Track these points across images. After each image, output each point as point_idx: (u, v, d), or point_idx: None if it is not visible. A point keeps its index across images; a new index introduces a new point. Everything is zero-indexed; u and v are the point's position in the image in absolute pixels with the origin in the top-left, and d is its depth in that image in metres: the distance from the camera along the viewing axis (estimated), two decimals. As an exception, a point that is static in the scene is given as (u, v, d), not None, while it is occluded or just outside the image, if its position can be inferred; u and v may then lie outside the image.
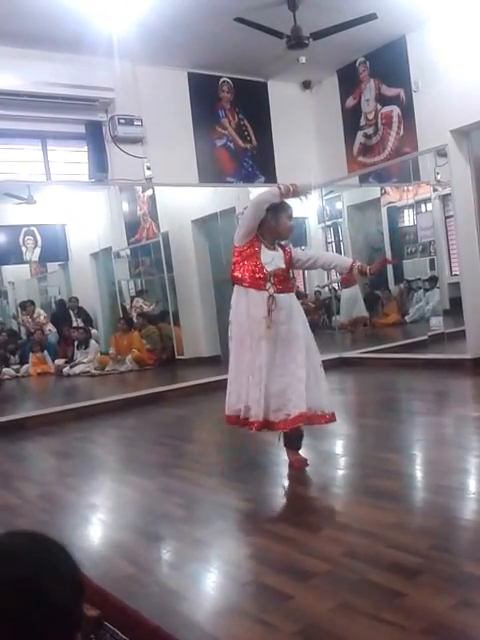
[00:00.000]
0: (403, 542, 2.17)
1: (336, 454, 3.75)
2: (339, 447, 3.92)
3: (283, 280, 3.34)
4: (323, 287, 9.84)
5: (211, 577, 2.18)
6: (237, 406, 3.36)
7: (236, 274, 3.33)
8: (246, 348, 3.30)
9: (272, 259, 3.32)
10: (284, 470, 3.50)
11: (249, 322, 3.28)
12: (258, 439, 4.17)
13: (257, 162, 7.10)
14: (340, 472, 3.32)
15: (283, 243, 3.52)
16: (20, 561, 0.81)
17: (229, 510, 2.86)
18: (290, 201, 3.50)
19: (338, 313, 9.12)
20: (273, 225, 3.33)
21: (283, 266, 3.35)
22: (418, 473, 3.23)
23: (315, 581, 1.97)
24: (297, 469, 3.30)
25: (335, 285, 9.68)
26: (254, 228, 3.32)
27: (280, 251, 3.40)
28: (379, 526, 2.34)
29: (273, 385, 3.24)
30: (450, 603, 1.77)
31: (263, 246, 3.33)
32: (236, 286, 3.36)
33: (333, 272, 8.04)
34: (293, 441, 3.40)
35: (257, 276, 3.28)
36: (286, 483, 3.24)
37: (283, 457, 3.84)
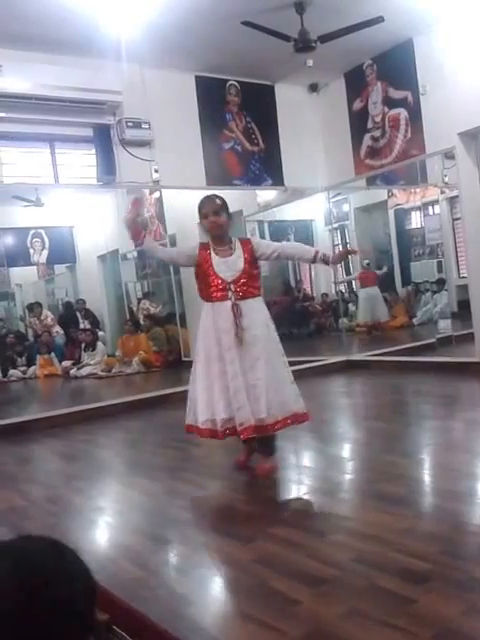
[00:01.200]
0: (412, 547, 2.16)
1: (343, 458, 3.74)
2: (346, 451, 3.91)
3: (245, 284, 3.28)
4: (340, 283, 9.78)
5: (218, 581, 2.17)
6: (212, 417, 3.27)
7: (200, 293, 3.38)
8: (215, 359, 3.26)
9: (228, 266, 3.29)
10: (292, 474, 3.49)
11: (217, 333, 3.26)
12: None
13: (264, 165, 7.10)
14: (347, 476, 3.31)
15: (243, 238, 3.50)
16: (38, 565, 0.82)
17: (236, 514, 2.85)
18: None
19: (345, 315, 9.11)
20: (205, 229, 3.39)
21: (242, 267, 3.29)
22: (427, 478, 3.21)
23: (324, 586, 1.96)
24: (262, 476, 3.26)
25: (342, 287, 9.68)
26: (181, 261, 3.56)
27: (238, 250, 3.34)
28: (388, 531, 2.33)
29: (242, 392, 3.22)
30: (460, 609, 1.75)
31: (213, 255, 3.30)
32: (203, 303, 3.38)
33: (338, 270, 8.03)
34: (264, 446, 3.35)
35: (218, 288, 3.27)
36: (293, 487, 3.23)
37: (291, 461, 3.84)
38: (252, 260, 3.34)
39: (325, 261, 3.48)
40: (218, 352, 3.25)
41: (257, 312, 3.32)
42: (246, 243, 3.40)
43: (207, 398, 3.27)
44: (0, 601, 0.76)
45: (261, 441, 3.33)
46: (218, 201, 3.37)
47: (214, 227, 3.34)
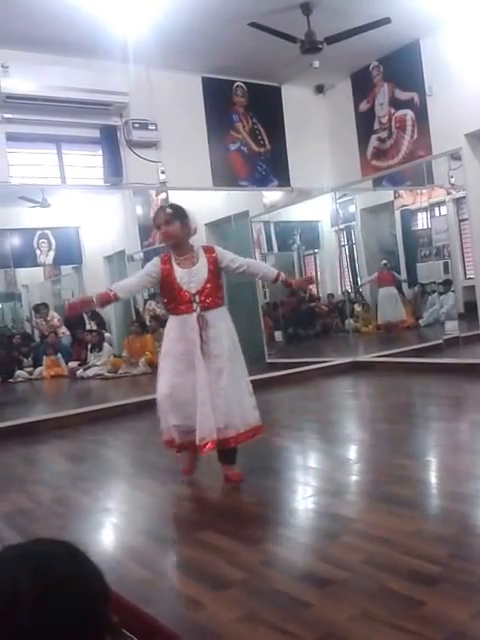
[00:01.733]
0: (421, 550, 2.15)
1: (350, 459, 3.73)
2: (353, 452, 3.90)
3: (209, 294, 3.25)
4: (362, 285, 9.75)
5: (226, 583, 2.16)
6: (188, 430, 3.25)
7: (166, 305, 3.36)
8: (184, 371, 3.22)
9: (191, 277, 3.24)
10: (299, 476, 3.49)
11: (186, 345, 3.22)
12: (271, 444, 4.16)
13: (271, 166, 7.11)
14: (354, 478, 3.30)
15: (206, 245, 3.44)
16: (55, 568, 0.83)
17: (244, 515, 2.85)
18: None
19: (351, 316, 9.09)
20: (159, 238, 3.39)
21: (205, 277, 3.25)
22: (434, 480, 3.20)
23: (334, 589, 1.96)
24: (235, 482, 3.26)
25: (348, 288, 9.65)
26: (148, 284, 3.43)
27: (202, 258, 3.30)
28: (397, 533, 2.32)
29: (208, 404, 3.21)
30: (470, 612, 1.75)
31: (176, 267, 3.26)
32: (169, 316, 3.33)
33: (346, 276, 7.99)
34: (226, 456, 3.34)
35: (183, 301, 3.23)
36: (301, 488, 3.23)
37: (298, 462, 3.84)
38: (216, 270, 3.32)
39: (287, 284, 3.63)
40: (186, 364, 3.22)
41: (222, 322, 3.30)
42: (210, 251, 3.35)
43: (175, 410, 3.25)
44: (21, 605, 0.76)
45: (223, 451, 3.31)
46: (169, 210, 3.32)
47: (166, 236, 3.30)
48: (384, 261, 9.22)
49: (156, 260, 3.32)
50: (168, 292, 3.29)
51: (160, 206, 3.50)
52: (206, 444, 3.18)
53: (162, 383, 3.29)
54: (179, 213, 3.31)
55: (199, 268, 3.27)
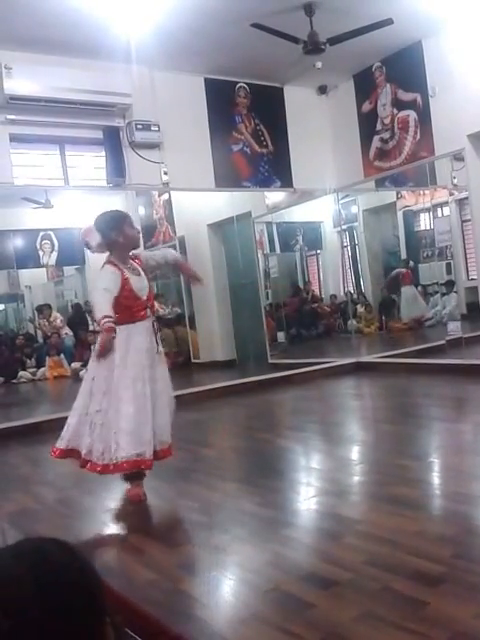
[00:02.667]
0: (425, 550, 2.16)
1: (353, 460, 3.73)
2: (356, 453, 3.90)
3: (152, 301, 3.27)
4: (382, 289, 9.73)
5: (231, 584, 2.17)
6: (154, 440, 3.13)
7: (119, 315, 3.03)
8: (147, 380, 3.11)
9: (140, 285, 3.16)
10: (302, 476, 3.49)
11: (138, 354, 3.10)
12: (274, 445, 4.17)
13: (273, 167, 7.11)
14: (358, 479, 3.30)
15: (133, 255, 3.27)
16: (51, 562, 0.86)
17: (247, 516, 2.86)
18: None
19: (354, 317, 9.09)
20: (121, 241, 3.16)
21: (147, 284, 3.22)
22: (437, 480, 3.21)
23: (337, 589, 1.97)
24: (136, 502, 3.13)
25: (351, 288, 9.63)
26: (116, 292, 3.06)
27: (138, 268, 3.20)
28: (400, 534, 2.33)
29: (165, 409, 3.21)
30: (473, 612, 1.75)
31: (129, 275, 3.12)
32: (119, 326, 3.00)
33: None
34: (141, 474, 3.19)
35: (141, 308, 3.15)
36: (304, 489, 3.23)
37: (301, 463, 3.85)
38: (147, 275, 3.27)
39: (179, 266, 3.55)
40: (150, 373, 3.14)
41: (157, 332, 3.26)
42: (138, 259, 3.27)
43: (142, 425, 3.07)
44: (26, 601, 0.79)
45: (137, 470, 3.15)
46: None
47: (137, 240, 3.29)
48: (410, 261, 9.21)
49: (112, 269, 3.10)
50: (125, 300, 3.10)
51: (118, 210, 3.33)
52: (164, 449, 3.19)
53: (128, 401, 3.07)
54: None
55: (143, 277, 3.21)
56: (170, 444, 3.24)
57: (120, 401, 3.06)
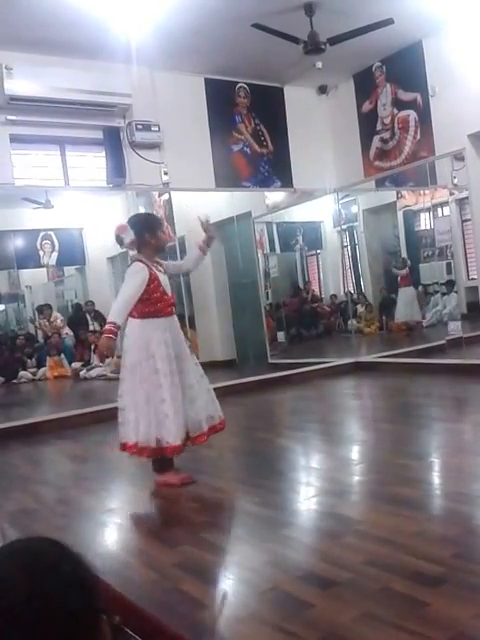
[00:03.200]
0: (425, 551, 2.16)
1: (353, 460, 3.73)
2: (356, 453, 3.90)
3: (174, 300, 3.50)
4: (381, 289, 9.70)
5: (230, 584, 2.17)
6: (185, 428, 3.34)
7: (146, 309, 3.30)
8: (175, 372, 3.31)
9: (166, 283, 3.41)
10: (301, 476, 3.49)
11: (176, 346, 3.35)
12: (274, 445, 4.17)
13: (273, 167, 7.12)
14: (357, 479, 3.30)
15: (159, 260, 3.52)
16: (44, 561, 0.86)
17: (247, 516, 2.86)
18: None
19: (354, 316, 9.09)
20: (153, 243, 3.39)
21: (169, 284, 3.47)
22: (438, 480, 3.21)
23: (336, 589, 1.96)
24: (178, 486, 3.30)
25: (350, 288, 9.63)
26: (140, 292, 3.29)
27: (162, 269, 3.45)
28: (400, 534, 2.33)
29: (200, 400, 3.41)
30: (473, 612, 1.75)
31: (157, 273, 3.35)
32: (146, 320, 3.30)
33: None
34: (170, 462, 3.39)
35: (169, 303, 3.40)
36: (304, 489, 3.23)
37: (301, 463, 3.85)
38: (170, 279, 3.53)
39: (202, 247, 3.66)
40: (177, 365, 3.33)
41: None
42: (162, 264, 3.51)
43: (174, 414, 3.27)
44: (19, 598, 0.79)
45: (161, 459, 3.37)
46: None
47: (166, 244, 3.55)
48: (407, 261, 9.20)
49: (139, 266, 3.31)
50: (153, 294, 3.31)
51: (151, 213, 3.58)
52: (200, 434, 3.38)
53: (163, 391, 3.27)
54: None
55: (167, 277, 3.47)
56: (217, 422, 3.48)
57: (152, 391, 3.26)
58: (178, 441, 3.25)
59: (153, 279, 3.31)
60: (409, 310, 9.03)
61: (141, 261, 3.34)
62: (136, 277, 3.28)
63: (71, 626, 0.81)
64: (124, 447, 3.37)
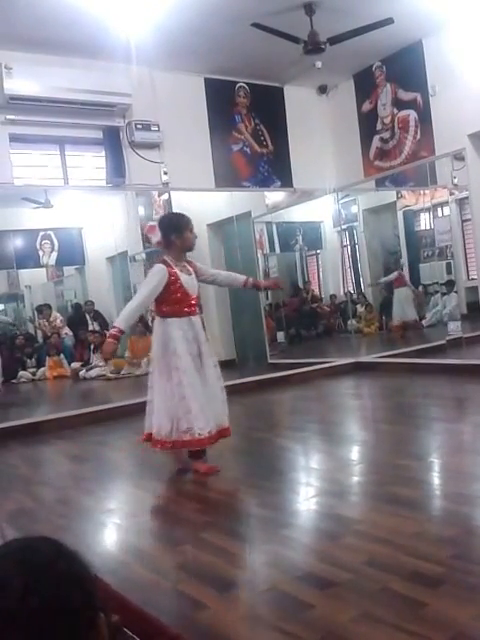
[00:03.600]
0: (424, 551, 2.15)
1: (353, 460, 3.72)
2: (355, 453, 3.89)
3: (198, 300, 3.57)
4: (379, 283, 9.66)
5: (230, 584, 2.17)
6: (211, 423, 3.46)
7: (165, 309, 3.44)
8: (197, 369, 3.45)
9: (190, 283, 3.50)
10: (301, 476, 3.49)
11: (197, 345, 3.47)
12: (274, 445, 4.17)
13: (273, 167, 7.11)
14: (357, 479, 3.29)
15: (188, 260, 3.62)
16: (40, 560, 0.86)
17: (247, 516, 2.86)
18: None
19: (354, 316, 9.08)
20: (178, 243, 3.48)
21: (197, 285, 3.56)
22: (437, 481, 3.20)
23: (336, 590, 1.96)
24: (209, 474, 3.45)
25: (350, 288, 9.63)
26: (158, 291, 3.41)
27: (190, 269, 3.54)
28: (399, 535, 2.32)
29: (218, 397, 3.55)
30: (473, 613, 1.75)
31: (179, 272, 3.45)
32: (167, 319, 3.44)
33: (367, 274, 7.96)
34: (201, 452, 3.55)
35: (190, 303, 3.48)
36: (303, 489, 3.23)
37: (300, 463, 3.84)
38: (198, 278, 3.61)
39: (256, 286, 3.93)
40: (199, 362, 3.47)
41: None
42: (193, 264, 3.61)
43: (200, 408, 3.41)
44: (14, 596, 0.79)
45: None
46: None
47: (192, 244, 3.54)
48: (400, 261, 9.17)
49: (160, 267, 3.41)
50: (174, 294, 3.42)
51: (181, 213, 3.69)
52: (219, 431, 3.49)
53: (184, 387, 3.39)
54: None
55: (193, 277, 3.54)
56: (227, 426, 3.58)
57: (174, 387, 3.39)
58: (205, 433, 3.37)
59: (174, 280, 3.40)
60: (405, 310, 9.00)
61: (164, 262, 3.43)
62: (153, 279, 3.40)
63: (68, 624, 0.80)
64: (148, 437, 3.53)
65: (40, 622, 0.78)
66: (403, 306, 8.99)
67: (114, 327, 3.35)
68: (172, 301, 3.42)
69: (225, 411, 3.58)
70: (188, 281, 3.47)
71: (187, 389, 3.38)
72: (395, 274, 9.07)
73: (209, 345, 3.56)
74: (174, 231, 3.48)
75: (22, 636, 0.77)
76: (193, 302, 3.48)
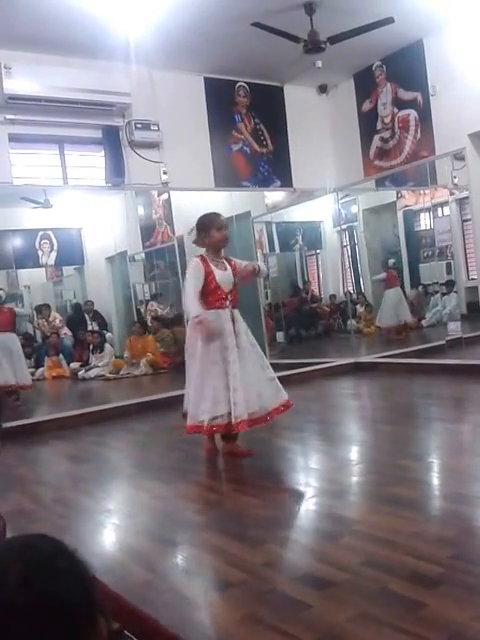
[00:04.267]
0: (423, 551, 2.14)
1: (352, 460, 3.71)
2: (355, 453, 3.88)
3: (234, 295, 3.74)
4: (374, 279, 9.57)
5: (228, 585, 2.16)
6: (215, 414, 3.59)
7: (200, 300, 3.62)
8: (218, 361, 3.60)
9: (225, 278, 3.69)
10: (300, 477, 3.48)
11: (220, 337, 3.61)
12: (273, 445, 4.16)
13: (273, 166, 7.11)
14: (356, 479, 3.28)
15: (226, 257, 3.83)
16: (41, 558, 0.86)
17: (245, 517, 2.84)
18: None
19: (354, 317, 9.07)
20: (207, 242, 3.72)
21: (233, 280, 3.74)
22: (437, 481, 3.19)
23: (334, 590, 1.95)
24: (243, 456, 3.70)
25: (350, 288, 9.62)
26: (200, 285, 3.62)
27: (227, 266, 3.74)
28: (398, 535, 2.31)
29: (250, 388, 3.63)
30: (472, 614, 1.74)
31: (214, 267, 3.66)
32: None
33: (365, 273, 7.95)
34: (233, 435, 3.73)
35: (220, 297, 3.66)
36: (302, 490, 3.22)
37: (299, 463, 3.83)
38: (235, 277, 3.79)
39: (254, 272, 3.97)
40: (220, 355, 3.60)
41: (242, 320, 3.77)
42: (230, 261, 3.81)
43: (214, 397, 3.58)
44: (14, 591, 0.79)
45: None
46: (223, 218, 3.78)
47: (225, 241, 3.75)
48: (392, 260, 9.10)
49: (195, 261, 3.68)
50: (204, 288, 3.63)
51: (215, 213, 3.83)
52: (240, 422, 3.55)
53: (200, 375, 3.62)
54: None
55: (229, 273, 3.73)
56: (277, 406, 3.77)
57: (204, 376, 3.61)
58: (244, 416, 3.53)
59: (208, 274, 3.63)
60: (397, 313, 8.86)
61: (201, 257, 3.70)
62: (191, 272, 3.66)
63: (67, 620, 0.80)
64: (185, 416, 3.73)
65: (39, 615, 0.78)
66: (394, 308, 8.86)
67: (194, 318, 3.54)
68: (205, 294, 3.62)
69: (252, 400, 3.62)
70: (222, 277, 3.66)
71: (214, 379, 3.58)
72: (383, 274, 8.99)
73: (244, 337, 3.69)
74: (203, 230, 3.72)
75: (22, 628, 0.77)
76: (223, 296, 3.65)
